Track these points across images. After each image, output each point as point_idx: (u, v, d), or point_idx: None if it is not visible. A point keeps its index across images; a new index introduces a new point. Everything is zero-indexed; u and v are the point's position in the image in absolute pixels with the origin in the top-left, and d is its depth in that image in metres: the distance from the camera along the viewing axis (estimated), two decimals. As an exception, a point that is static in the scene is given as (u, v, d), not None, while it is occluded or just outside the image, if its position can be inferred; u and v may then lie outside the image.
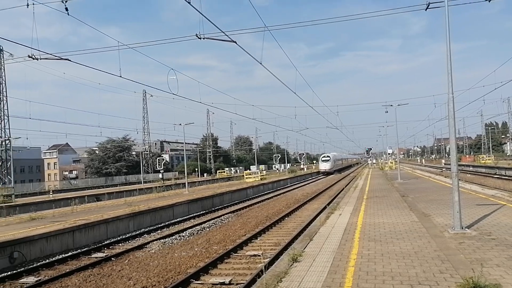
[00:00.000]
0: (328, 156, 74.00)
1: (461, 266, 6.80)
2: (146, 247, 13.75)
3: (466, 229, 9.81)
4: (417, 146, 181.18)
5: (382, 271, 6.79)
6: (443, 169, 57.67)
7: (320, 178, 61.10)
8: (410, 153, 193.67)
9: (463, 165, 63.28)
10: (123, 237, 16.13)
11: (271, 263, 9.11)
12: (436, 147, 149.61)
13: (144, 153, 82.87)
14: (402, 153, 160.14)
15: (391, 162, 67.45)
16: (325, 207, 19.99)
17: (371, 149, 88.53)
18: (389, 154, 71.70)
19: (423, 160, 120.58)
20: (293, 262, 7.70)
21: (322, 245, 9.11)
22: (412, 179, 33.83)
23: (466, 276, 5.98)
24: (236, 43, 13.91)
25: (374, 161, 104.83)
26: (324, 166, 71.28)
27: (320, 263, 7.53)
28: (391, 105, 36.24)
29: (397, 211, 14.21)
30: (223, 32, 13.12)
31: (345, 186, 34.03)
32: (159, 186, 43.17)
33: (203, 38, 13.20)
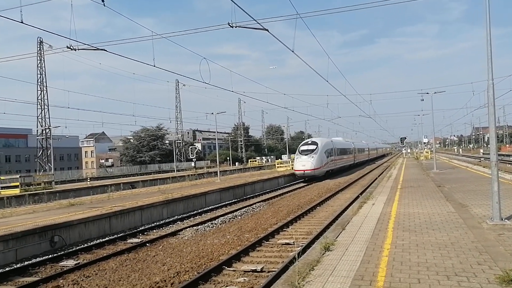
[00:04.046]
0: (313, 144, 37.23)
1: (500, 258, 6.58)
2: (179, 234, 14.00)
3: (506, 220, 9.47)
4: (454, 135, 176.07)
5: (416, 262, 6.66)
6: (482, 159, 55.85)
7: (356, 166, 54.44)
8: (447, 143, 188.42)
9: (502, 155, 61.02)
10: (157, 223, 16.48)
11: (303, 251, 9.10)
12: (474, 137, 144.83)
13: (177, 142, 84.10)
14: (438, 142, 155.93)
15: (427, 152, 65.82)
16: (357, 197, 19.77)
17: (405, 138, 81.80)
18: (424, 143, 70.02)
19: (460, 149, 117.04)
20: (325, 251, 7.66)
21: (355, 235, 9.02)
22: (449, 169, 32.93)
23: (506, 268, 5.80)
24: (268, 31, 13.83)
25: (408, 150, 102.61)
26: (302, 164, 34.36)
27: (353, 253, 7.46)
28: (427, 93, 35.26)
29: (433, 201, 13.88)
30: (255, 20, 13.07)
31: (379, 176, 33.51)
32: (191, 175, 43.83)
33: (235, 27, 13.19)
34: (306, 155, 34.76)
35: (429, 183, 20.66)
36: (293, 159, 38.27)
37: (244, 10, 12.14)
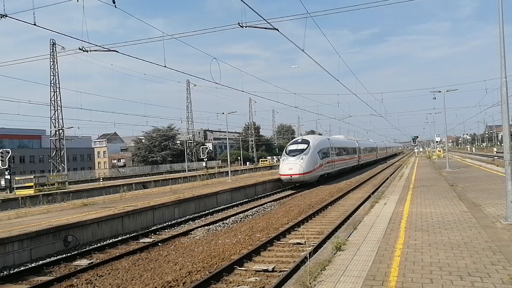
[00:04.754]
0: (304, 142, 30.91)
1: (514, 258, 6.51)
2: (191, 234, 14.07)
3: (520, 220, 9.35)
4: (467, 134, 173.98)
5: (429, 262, 6.62)
6: (495, 157, 55.12)
7: (369, 166, 53.05)
8: (459, 141, 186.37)
9: (517, 153, 59.98)
10: (169, 223, 16.57)
11: (314, 251, 9.09)
12: (487, 135, 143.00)
13: (188, 142, 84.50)
14: (450, 141, 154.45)
15: (439, 151, 65.21)
16: (369, 196, 19.67)
17: (417, 137, 79.78)
18: (436, 142, 69.37)
19: (473, 148, 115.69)
20: (337, 251, 7.65)
21: (367, 234, 8.99)
22: (462, 167, 32.59)
23: (520, 269, 5.73)
24: (278, 30, 13.83)
25: (421, 149, 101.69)
26: (288, 168, 28.50)
27: (365, 252, 7.43)
28: (439, 91, 34.94)
29: (446, 200, 13.76)
30: (265, 19, 13.07)
31: (390, 175, 33.28)
32: (202, 174, 43.98)
33: (245, 27, 13.21)
34: (294, 156, 28.94)
35: (441, 182, 20.47)
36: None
37: (254, 10, 12.16)
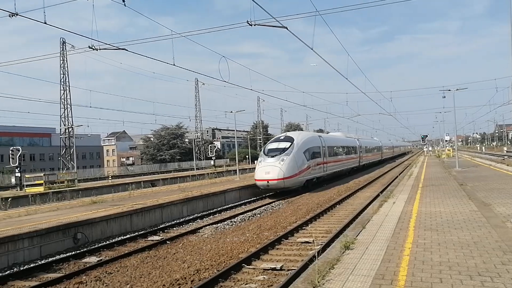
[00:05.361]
0: (286, 140, 25.62)
1: (525, 258, 6.44)
2: (199, 232, 14.11)
3: (531, 219, 9.25)
4: (477, 133, 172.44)
5: (438, 261, 6.57)
6: (505, 157, 54.59)
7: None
8: (469, 140, 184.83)
9: (528, 152, 59.47)
10: (177, 221, 16.63)
11: (322, 250, 9.07)
12: (497, 134, 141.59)
13: (197, 140, 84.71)
14: (460, 140, 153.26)
15: (449, 150, 64.69)
16: (377, 195, 19.57)
17: (427, 136, 78.57)
18: (446, 141, 68.82)
19: (483, 147, 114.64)
20: (345, 250, 7.62)
21: (375, 233, 8.95)
22: (471, 167, 32.31)
23: (531, 269, 5.67)
24: (287, 28, 13.81)
25: (430, 148, 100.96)
26: (265, 171, 23.12)
27: (373, 251, 7.40)
28: (449, 90, 34.67)
29: (455, 200, 13.65)
30: (274, 18, 13.07)
31: (399, 174, 33.11)
32: (211, 173, 44.07)
33: (254, 25, 13.20)
34: (273, 156, 23.82)
35: (451, 182, 20.32)
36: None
37: (263, 8, 12.17)
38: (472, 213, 10.92)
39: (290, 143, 24.71)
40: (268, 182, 22.79)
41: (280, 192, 24.09)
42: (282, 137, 26.68)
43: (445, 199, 13.86)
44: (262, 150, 26.34)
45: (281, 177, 22.63)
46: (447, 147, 68.87)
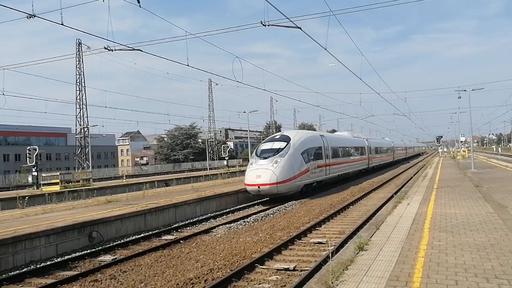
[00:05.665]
0: (282, 139, 22.80)
1: (543, 261, 6.34)
2: (212, 231, 14.16)
3: (550, 222, 9.10)
4: (493, 134, 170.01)
5: (454, 263, 6.51)
6: (523, 158, 53.62)
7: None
8: (485, 141, 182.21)
9: (546, 154, 58.35)
10: (191, 221, 16.71)
11: (336, 251, 9.04)
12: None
13: (210, 141, 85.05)
14: (476, 141, 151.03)
15: (464, 151, 63.88)
16: (391, 196, 19.45)
17: (441, 136, 77.49)
18: (461, 142, 67.94)
19: (499, 148, 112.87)
20: (359, 251, 7.59)
21: (390, 235, 8.89)
22: (487, 168, 31.87)
23: (549, 272, 5.58)
24: (301, 29, 13.80)
25: (445, 149, 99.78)
26: (256, 175, 20.62)
27: (388, 253, 7.35)
28: (465, 90, 34.36)
29: (471, 201, 13.48)
30: (287, 18, 13.07)
31: (414, 175, 32.81)
32: (224, 173, 44.17)
33: (268, 25, 13.22)
34: (266, 158, 21.30)
35: (466, 183, 20.07)
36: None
37: (277, 9, 12.18)
38: (488, 215, 10.77)
39: (286, 143, 22.15)
40: (259, 187, 20.42)
41: (275, 198, 21.21)
42: (278, 137, 24.13)
43: (461, 201, 13.70)
44: (255, 151, 23.96)
45: (274, 182, 20.11)
46: (463, 148, 68.02)
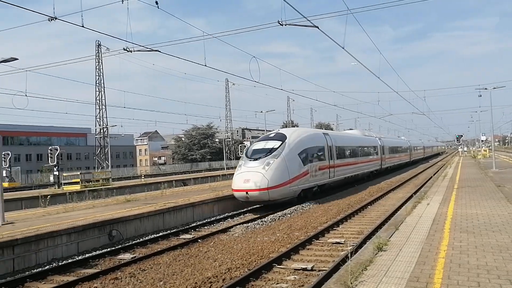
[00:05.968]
0: (276, 138, 20.01)
1: None
2: (230, 231, 14.21)
3: None
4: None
5: (476, 264, 6.40)
6: (547, 157, 52.36)
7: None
8: (507, 140, 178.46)
9: None
10: (208, 220, 16.80)
11: (355, 251, 8.98)
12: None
13: (227, 140, 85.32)
14: (497, 140, 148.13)
15: (485, 150, 62.71)
16: (411, 196, 19.22)
17: (461, 136, 75.52)
18: (482, 141, 66.74)
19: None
20: (378, 251, 7.53)
21: (409, 235, 8.79)
22: (509, 168, 31.22)
23: None
24: (318, 28, 13.74)
25: (465, 149, 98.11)
26: (244, 179, 17.89)
27: (407, 253, 7.27)
28: (486, 89, 33.76)
29: (492, 202, 13.24)
30: (305, 17, 13.03)
31: (433, 175, 32.35)
32: (241, 173, 44.10)
33: (285, 25, 13.20)
34: (256, 160, 18.65)
35: (488, 183, 19.70)
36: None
37: (294, 8, 12.15)
38: (511, 215, 10.56)
39: (281, 142, 19.47)
40: (247, 193, 17.81)
41: (268, 205, 18.83)
42: (272, 135, 21.26)
43: (482, 201, 13.46)
44: (245, 151, 21.40)
45: (265, 187, 17.49)
46: (483, 148, 66.78)
